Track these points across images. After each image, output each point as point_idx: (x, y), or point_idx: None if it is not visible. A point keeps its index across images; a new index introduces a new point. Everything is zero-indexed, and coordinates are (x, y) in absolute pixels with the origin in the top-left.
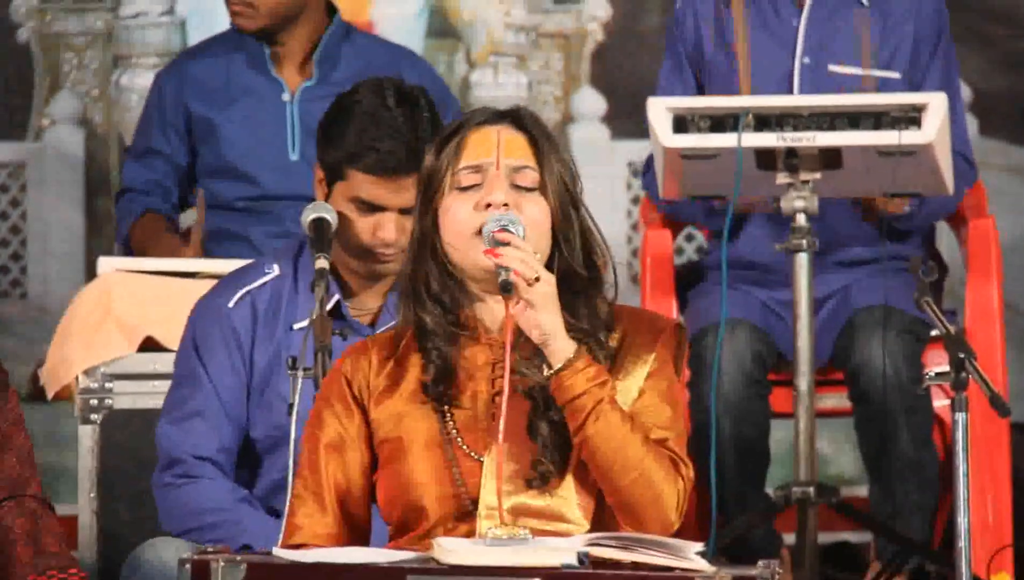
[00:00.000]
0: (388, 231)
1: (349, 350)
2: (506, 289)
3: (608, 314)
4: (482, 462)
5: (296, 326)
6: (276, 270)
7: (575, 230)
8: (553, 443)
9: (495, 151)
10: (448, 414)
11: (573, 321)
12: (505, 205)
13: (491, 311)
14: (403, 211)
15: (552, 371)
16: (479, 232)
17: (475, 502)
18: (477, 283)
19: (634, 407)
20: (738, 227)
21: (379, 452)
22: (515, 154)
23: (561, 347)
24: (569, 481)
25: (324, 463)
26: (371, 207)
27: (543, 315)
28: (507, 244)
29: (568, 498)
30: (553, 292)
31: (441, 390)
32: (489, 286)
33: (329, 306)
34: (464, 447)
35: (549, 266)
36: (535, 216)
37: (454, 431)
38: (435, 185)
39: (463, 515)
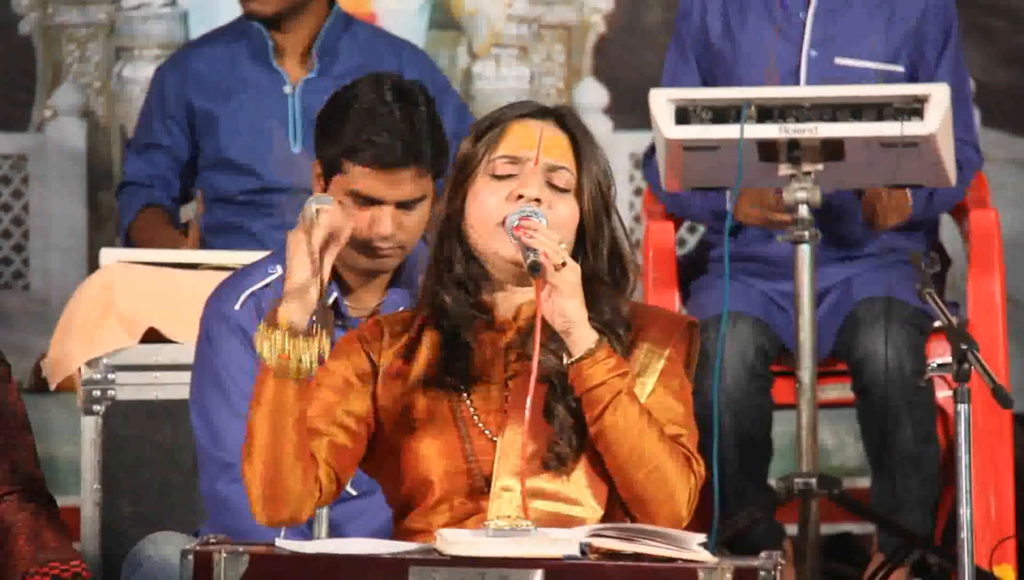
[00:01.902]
0: (385, 225)
1: (361, 325)
2: (535, 269)
3: (627, 312)
4: (496, 442)
5: None
6: (279, 270)
7: (605, 237)
8: (570, 426)
9: (536, 146)
10: (464, 393)
11: (594, 314)
12: (537, 200)
13: (508, 298)
14: (400, 205)
15: (572, 359)
16: (503, 223)
17: (487, 480)
18: (496, 271)
19: (647, 402)
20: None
21: (384, 428)
22: (555, 154)
23: (583, 336)
24: (584, 465)
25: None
26: (368, 201)
27: (568, 302)
28: (533, 230)
29: (582, 482)
30: (578, 281)
31: (455, 371)
32: (507, 275)
33: (328, 303)
34: (480, 425)
35: None
36: (564, 216)
37: (472, 409)
38: (469, 169)
39: (473, 492)
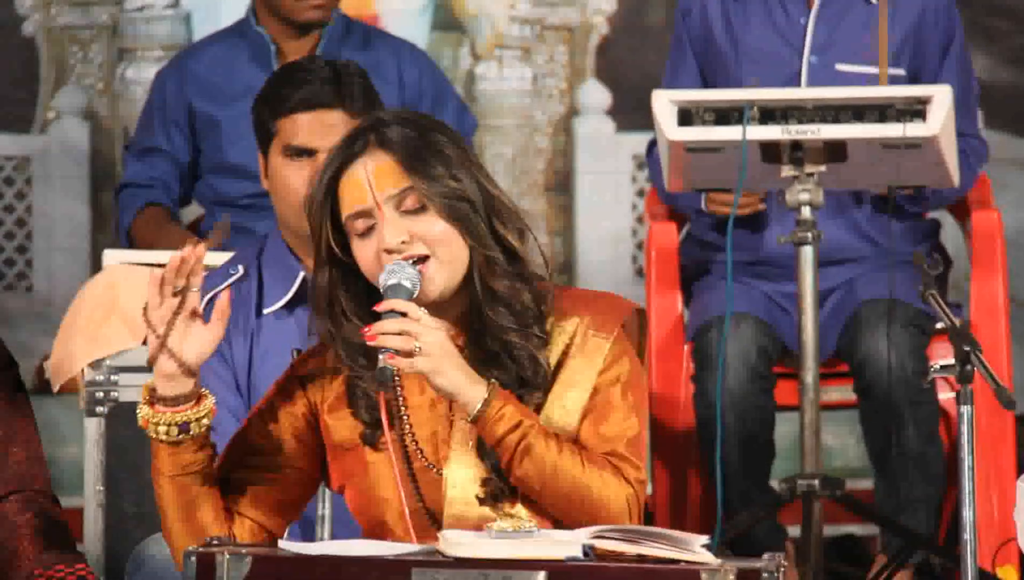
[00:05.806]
0: None
1: (305, 354)
2: (383, 383)
3: (536, 302)
4: (442, 476)
5: (266, 311)
6: (240, 270)
7: (476, 223)
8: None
9: (368, 191)
10: (407, 427)
11: (496, 343)
12: (403, 242)
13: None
14: None
15: (470, 419)
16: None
17: (434, 516)
18: None
19: (587, 406)
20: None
21: (334, 458)
22: (388, 183)
23: (470, 398)
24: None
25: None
26: (301, 152)
27: (439, 379)
28: (390, 310)
29: (527, 513)
30: (443, 348)
31: (391, 419)
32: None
33: (296, 284)
34: (426, 462)
35: (468, 268)
36: (435, 234)
37: (413, 445)
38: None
39: (423, 530)
